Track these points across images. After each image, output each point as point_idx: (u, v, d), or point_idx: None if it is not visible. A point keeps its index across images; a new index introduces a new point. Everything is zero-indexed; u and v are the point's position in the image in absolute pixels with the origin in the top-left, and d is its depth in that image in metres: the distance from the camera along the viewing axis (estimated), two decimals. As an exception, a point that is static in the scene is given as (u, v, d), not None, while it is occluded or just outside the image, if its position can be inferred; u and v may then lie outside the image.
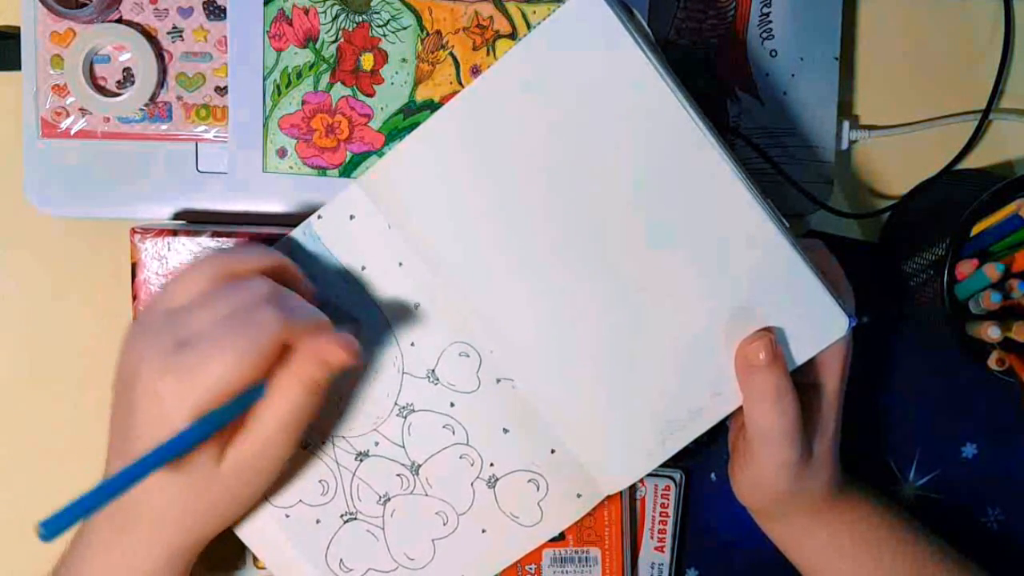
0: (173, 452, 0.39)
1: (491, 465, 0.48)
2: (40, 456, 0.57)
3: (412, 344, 0.47)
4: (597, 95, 0.43)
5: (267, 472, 0.43)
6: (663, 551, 0.55)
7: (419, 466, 0.48)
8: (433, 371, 0.47)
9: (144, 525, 0.42)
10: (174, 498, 0.42)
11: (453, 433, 0.48)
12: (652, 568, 0.55)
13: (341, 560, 0.49)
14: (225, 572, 0.53)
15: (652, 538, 0.55)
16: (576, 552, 0.53)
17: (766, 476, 0.47)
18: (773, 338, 0.44)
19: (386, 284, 0.47)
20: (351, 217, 0.46)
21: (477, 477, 0.48)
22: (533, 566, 0.53)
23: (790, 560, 0.51)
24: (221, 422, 0.40)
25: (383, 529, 0.49)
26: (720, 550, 0.57)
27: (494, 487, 0.49)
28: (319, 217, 0.46)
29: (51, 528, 0.35)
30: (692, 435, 0.47)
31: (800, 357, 0.45)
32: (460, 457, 0.48)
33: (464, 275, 0.46)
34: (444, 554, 0.49)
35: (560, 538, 0.53)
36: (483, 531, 0.49)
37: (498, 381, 0.47)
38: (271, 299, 0.41)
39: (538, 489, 0.49)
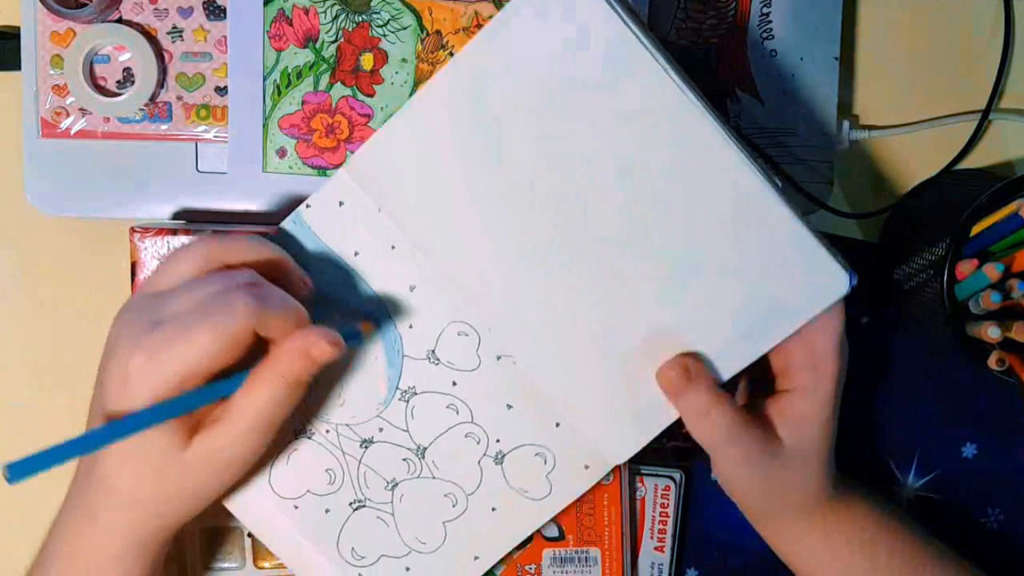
0: (128, 428, 0.39)
1: (497, 441, 0.48)
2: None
3: (410, 326, 0.47)
4: (576, 64, 0.43)
5: (236, 465, 0.43)
6: (663, 551, 0.55)
7: (424, 449, 0.48)
8: (433, 351, 0.47)
9: (108, 509, 0.42)
10: (136, 481, 0.42)
11: (457, 412, 0.48)
12: (652, 568, 0.55)
13: (353, 548, 0.49)
14: (225, 572, 0.53)
15: (652, 538, 0.55)
16: (576, 552, 0.53)
17: (729, 476, 0.48)
18: (686, 360, 0.45)
19: (380, 268, 0.47)
20: (340, 203, 0.46)
21: (484, 454, 0.48)
22: (533, 566, 0.53)
23: (784, 560, 0.51)
24: (184, 408, 0.41)
25: (393, 515, 0.49)
26: (720, 550, 0.57)
27: (501, 463, 0.48)
28: (307, 206, 0.46)
29: (15, 472, 0.37)
30: None
31: (801, 318, 0.45)
32: (466, 436, 0.48)
33: (456, 254, 0.46)
34: (456, 535, 0.49)
35: (560, 538, 0.53)
36: (493, 509, 0.49)
37: (498, 358, 0.47)
38: (248, 287, 0.41)
39: (545, 463, 0.48)
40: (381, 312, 0.47)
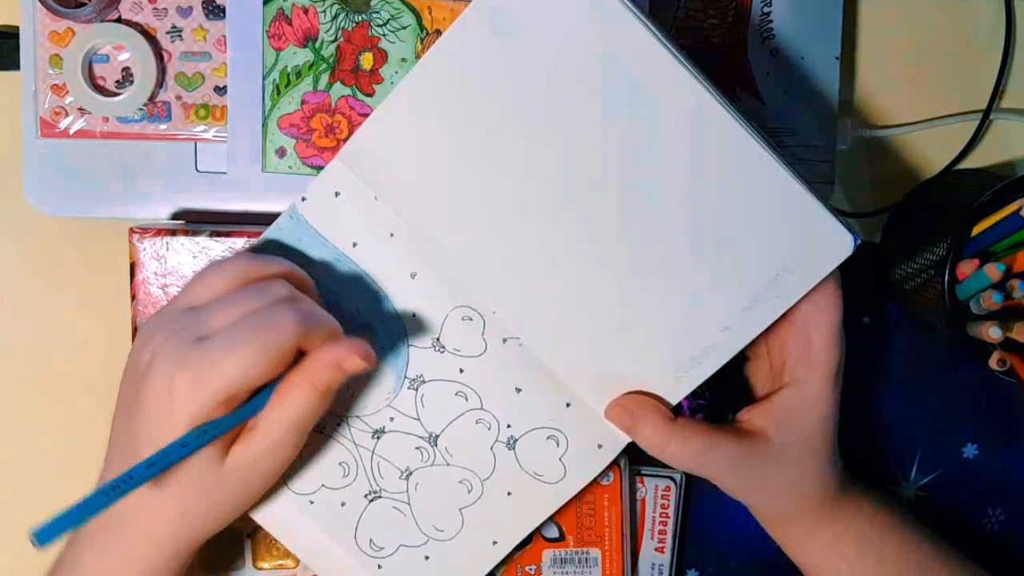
0: (170, 461, 0.39)
1: (508, 427, 0.48)
2: (39, 456, 0.57)
3: (413, 315, 0.47)
4: (571, 37, 0.42)
5: (270, 473, 0.43)
6: (663, 552, 0.55)
7: (436, 436, 0.48)
8: (438, 339, 0.47)
9: (142, 523, 0.42)
10: (173, 498, 0.42)
11: (466, 400, 0.48)
12: (652, 569, 0.55)
13: (371, 540, 0.49)
14: (225, 572, 0.53)
15: (652, 539, 0.55)
16: (576, 553, 0.53)
17: (721, 485, 0.48)
18: (626, 401, 0.46)
19: (380, 258, 0.46)
20: (336, 194, 0.46)
21: (496, 440, 0.48)
22: (533, 567, 0.53)
23: (794, 562, 0.51)
24: (221, 432, 0.41)
25: (409, 504, 0.49)
26: (720, 551, 0.57)
27: (514, 448, 0.48)
28: (303, 200, 0.46)
29: (44, 536, 0.35)
30: (707, 372, 0.46)
31: (807, 283, 0.45)
32: (476, 422, 0.48)
33: (456, 237, 0.45)
34: (473, 521, 0.49)
35: (560, 539, 0.53)
36: (508, 494, 0.49)
37: (504, 341, 0.47)
38: (289, 302, 0.42)
39: (558, 445, 0.48)
40: (383, 302, 0.47)
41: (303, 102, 0.51)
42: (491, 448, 0.48)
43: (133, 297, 0.50)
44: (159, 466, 0.39)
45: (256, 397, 0.42)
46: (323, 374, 0.41)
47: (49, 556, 0.44)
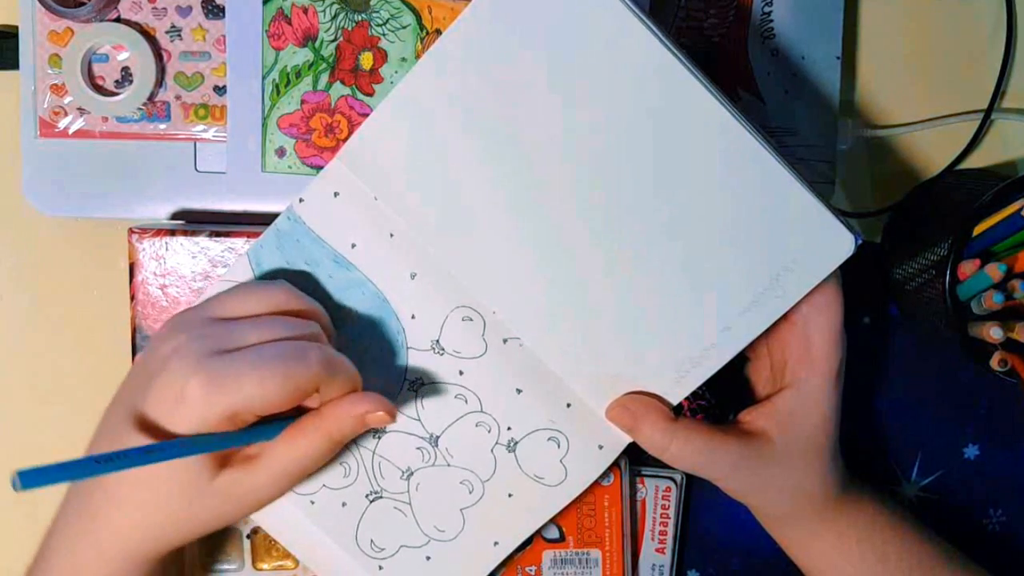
0: (166, 456, 0.39)
1: (508, 429, 0.48)
2: (39, 456, 0.56)
3: (413, 317, 0.47)
4: (571, 36, 0.42)
5: (256, 504, 0.43)
6: (664, 552, 0.55)
7: (437, 437, 0.48)
8: (437, 341, 0.47)
9: (116, 520, 0.42)
10: (154, 498, 0.41)
11: (466, 402, 0.48)
12: (653, 570, 0.55)
13: (372, 540, 0.49)
14: (225, 572, 0.53)
15: (653, 540, 0.55)
16: (576, 554, 0.53)
17: (724, 487, 0.47)
18: (626, 401, 0.46)
19: (379, 258, 0.46)
20: (335, 195, 0.46)
21: (496, 443, 0.48)
22: (533, 567, 0.53)
23: (795, 563, 0.51)
24: (223, 446, 0.41)
25: (410, 504, 0.48)
26: (721, 552, 0.57)
27: (514, 450, 0.48)
28: (301, 201, 0.46)
29: (27, 479, 0.35)
30: (707, 373, 0.46)
31: (808, 284, 0.45)
32: (476, 425, 0.48)
33: (456, 236, 0.45)
34: (474, 522, 0.49)
35: (560, 540, 0.53)
36: (509, 495, 0.48)
37: (504, 341, 0.47)
38: (319, 342, 0.42)
39: (559, 446, 0.48)
40: (382, 303, 0.47)
41: (303, 102, 0.51)
42: (491, 450, 0.48)
43: (133, 297, 0.50)
44: (155, 457, 0.38)
45: (267, 426, 0.42)
46: (343, 424, 0.42)
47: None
